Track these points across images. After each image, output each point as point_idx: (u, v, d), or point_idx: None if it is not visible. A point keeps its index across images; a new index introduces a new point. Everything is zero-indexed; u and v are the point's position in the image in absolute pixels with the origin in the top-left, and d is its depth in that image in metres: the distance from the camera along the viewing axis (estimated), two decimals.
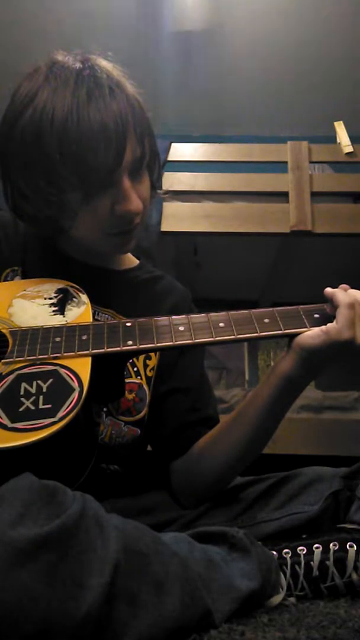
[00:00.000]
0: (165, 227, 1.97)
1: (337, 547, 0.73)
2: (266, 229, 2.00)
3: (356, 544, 0.73)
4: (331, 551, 0.72)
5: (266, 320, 0.78)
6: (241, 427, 0.83)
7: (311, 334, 0.75)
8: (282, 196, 2.05)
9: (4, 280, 0.89)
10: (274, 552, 0.72)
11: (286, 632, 0.55)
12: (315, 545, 0.73)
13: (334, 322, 0.75)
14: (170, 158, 2.12)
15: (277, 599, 0.67)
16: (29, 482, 0.54)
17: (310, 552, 0.73)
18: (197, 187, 2.09)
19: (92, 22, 2.77)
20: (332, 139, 2.26)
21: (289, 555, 0.72)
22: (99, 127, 0.76)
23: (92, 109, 0.76)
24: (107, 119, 0.76)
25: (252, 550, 0.67)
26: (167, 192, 1.98)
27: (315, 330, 0.76)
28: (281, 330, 0.77)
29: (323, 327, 0.75)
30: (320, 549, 0.73)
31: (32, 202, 0.82)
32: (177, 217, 2.01)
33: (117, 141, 0.77)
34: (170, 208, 2.02)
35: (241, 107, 3.21)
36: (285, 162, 2.09)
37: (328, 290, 0.79)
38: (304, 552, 0.73)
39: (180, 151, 2.16)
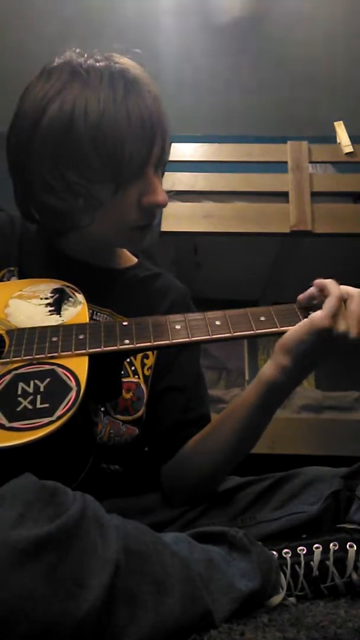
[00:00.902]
0: (165, 227, 1.97)
1: (337, 547, 0.73)
2: (266, 229, 2.00)
3: (356, 544, 0.73)
4: (331, 551, 0.72)
5: (262, 318, 0.78)
6: (229, 429, 0.84)
7: (294, 326, 0.76)
8: (282, 196, 2.05)
9: (0, 281, 0.89)
10: (274, 552, 0.72)
11: (286, 632, 0.55)
12: (315, 545, 0.73)
13: (318, 311, 0.75)
14: (170, 158, 2.10)
15: (277, 599, 0.67)
16: (29, 483, 0.54)
17: (310, 552, 0.73)
18: (197, 187, 2.09)
19: (90, 23, 2.77)
20: (332, 139, 2.26)
21: (289, 555, 0.72)
22: (137, 119, 0.79)
23: (130, 102, 0.79)
24: (144, 112, 0.80)
25: (252, 550, 0.67)
26: (171, 191, 1.98)
27: (300, 322, 0.76)
28: (277, 327, 0.77)
29: (306, 319, 0.75)
30: (320, 549, 0.73)
31: (59, 194, 0.82)
32: (177, 217, 2.00)
33: (151, 134, 0.81)
34: (170, 208, 2.01)
35: (241, 107, 3.21)
36: (285, 162, 2.09)
37: (318, 281, 0.79)
38: (304, 552, 0.73)
39: (180, 151, 2.16)
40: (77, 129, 0.78)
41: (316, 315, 0.74)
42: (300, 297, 0.80)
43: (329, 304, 0.74)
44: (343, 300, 0.75)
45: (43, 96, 0.80)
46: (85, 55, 0.84)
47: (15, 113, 0.84)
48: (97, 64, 0.82)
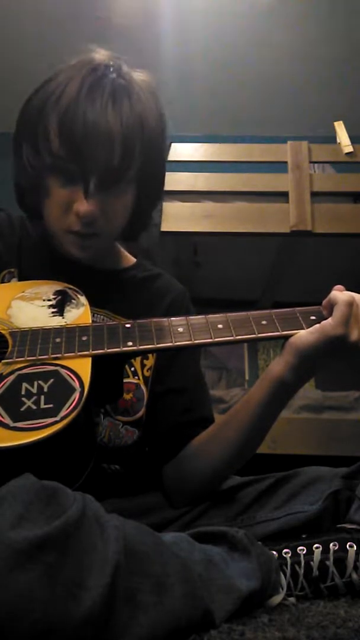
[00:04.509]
0: (165, 227, 1.97)
1: (337, 547, 0.73)
2: (266, 229, 2.00)
3: (356, 544, 0.73)
4: (331, 551, 0.72)
5: (264, 322, 0.78)
6: (234, 429, 0.84)
7: (307, 331, 0.76)
8: (282, 196, 2.06)
9: (1, 282, 0.90)
10: (274, 552, 0.72)
11: (286, 632, 0.55)
12: (315, 545, 0.73)
13: (329, 319, 0.76)
14: (170, 158, 2.11)
15: (277, 599, 0.67)
16: (29, 483, 0.54)
17: (310, 552, 0.73)
18: (197, 187, 2.09)
19: (94, 22, 2.77)
20: (332, 139, 2.26)
21: (289, 555, 0.72)
22: (90, 127, 0.78)
23: (90, 107, 0.79)
24: (100, 122, 0.79)
25: (252, 550, 0.67)
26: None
27: (311, 328, 0.76)
28: (278, 331, 0.78)
29: (317, 325, 0.76)
30: (320, 548, 0.73)
31: (20, 170, 0.86)
32: (177, 217, 2.01)
33: (99, 145, 0.79)
34: (170, 208, 2.02)
35: (241, 107, 3.22)
36: (285, 162, 2.09)
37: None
38: (304, 552, 0.73)
39: (180, 151, 2.16)
40: (47, 110, 0.81)
41: (327, 323, 0.75)
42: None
43: (339, 311, 0.75)
44: (350, 306, 0.75)
45: (48, 78, 0.84)
46: (99, 54, 0.85)
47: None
48: (93, 62, 0.83)
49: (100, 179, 0.81)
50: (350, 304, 0.75)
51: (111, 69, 0.83)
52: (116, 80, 0.82)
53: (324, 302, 0.79)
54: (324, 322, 0.76)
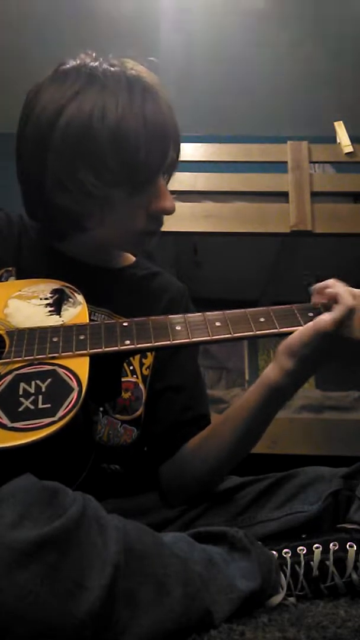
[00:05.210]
0: (165, 227, 1.96)
1: (337, 547, 0.73)
2: (266, 229, 2.00)
3: (356, 544, 0.73)
4: (331, 551, 0.72)
5: (262, 319, 0.78)
6: (230, 430, 0.84)
7: (299, 332, 0.76)
8: (282, 196, 2.05)
9: None
10: (274, 552, 0.72)
11: (286, 632, 0.55)
12: (315, 545, 0.73)
13: (325, 314, 0.75)
14: None
15: (277, 599, 0.67)
16: (29, 483, 0.54)
17: (310, 552, 0.73)
18: (197, 187, 2.08)
19: (93, 22, 2.77)
20: (332, 139, 2.26)
21: (289, 555, 0.72)
22: (153, 126, 0.80)
23: (147, 108, 0.80)
24: (160, 119, 0.81)
25: (252, 550, 0.67)
26: (173, 192, 1.98)
27: (303, 327, 0.76)
28: (277, 328, 0.78)
29: (310, 323, 0.75)
30: (320, 548, 0.73)
31: (73, 195, 0.82)
32: (177, 217, 1.99)
33: (166, 141, 0.83)
34: None
35: (241, 107, 3.21)
36: (285, 162, 2.09)
37: (329, 290, 0.78)
38: (304, 552, 0.73)
39: (181, 151, 2.15)
40: (96, 130, 0.78)
41: (322, 318, 0.74)
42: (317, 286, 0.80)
43: (339, 311, 0.74)
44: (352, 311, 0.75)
45: (60, 97, 0.80)
46: (100, 60, 0.84)
47: (25, 113, 0.84)
48: (113, 69, 0.82)
49: (166, 172, 0.86)
50: (351, 308, 0.74)
51: (143, 73, 0.83)
52: (148, 80, 0.83)
53: (330, 291, 0.78)
54: (317, 319, 0.75)
